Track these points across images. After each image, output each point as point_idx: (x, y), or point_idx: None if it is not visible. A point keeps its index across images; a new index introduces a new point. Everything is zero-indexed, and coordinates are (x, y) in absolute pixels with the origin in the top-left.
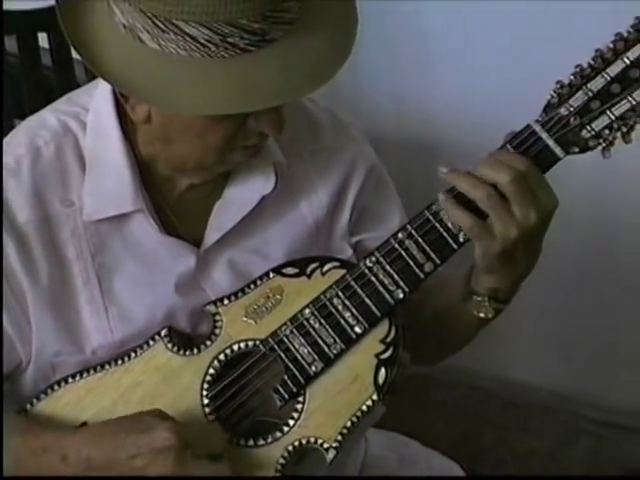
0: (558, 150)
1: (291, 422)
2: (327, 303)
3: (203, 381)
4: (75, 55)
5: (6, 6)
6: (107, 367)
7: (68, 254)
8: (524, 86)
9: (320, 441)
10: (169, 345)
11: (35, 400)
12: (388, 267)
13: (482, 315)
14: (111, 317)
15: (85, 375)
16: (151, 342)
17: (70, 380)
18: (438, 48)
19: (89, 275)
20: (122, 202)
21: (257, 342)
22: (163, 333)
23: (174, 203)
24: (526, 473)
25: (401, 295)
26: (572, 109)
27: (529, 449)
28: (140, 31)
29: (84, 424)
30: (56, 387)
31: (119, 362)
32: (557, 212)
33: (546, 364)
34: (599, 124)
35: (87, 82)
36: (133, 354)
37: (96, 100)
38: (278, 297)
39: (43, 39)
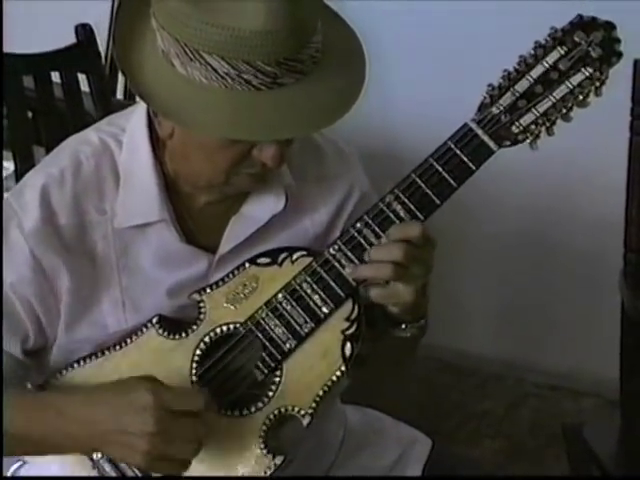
0: (492, 144)
1: (270, 393)
2: (297, 288)
3: (192, 361)
4: (84, 89)
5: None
6: (107, 353)
7: (97, 255)
8: (472, 100)
9: (297, 409)
10: (160, 331)
11: (46, 384)
12: (349, 253)
13: (412, 333)
14: (127, 309)
15: (88, 361)
16: (144, 329)
17: (75, 365)
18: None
19: (113, 274)
20: (149, 212)
21: (237, 325)
22: (154, 320)
23: (195, 216)
24: (481, 430)
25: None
26: (502, 108)
27: (484, 410)
28: (173, 57)
29: None
30: (64, 372)
31: (117, 348)
32: (499, 203)
33: (497, 338)
34: (526, 120)
35: (96, 113)
36: (129, 340)
37: (132, 123)
38: (254, 284)
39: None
